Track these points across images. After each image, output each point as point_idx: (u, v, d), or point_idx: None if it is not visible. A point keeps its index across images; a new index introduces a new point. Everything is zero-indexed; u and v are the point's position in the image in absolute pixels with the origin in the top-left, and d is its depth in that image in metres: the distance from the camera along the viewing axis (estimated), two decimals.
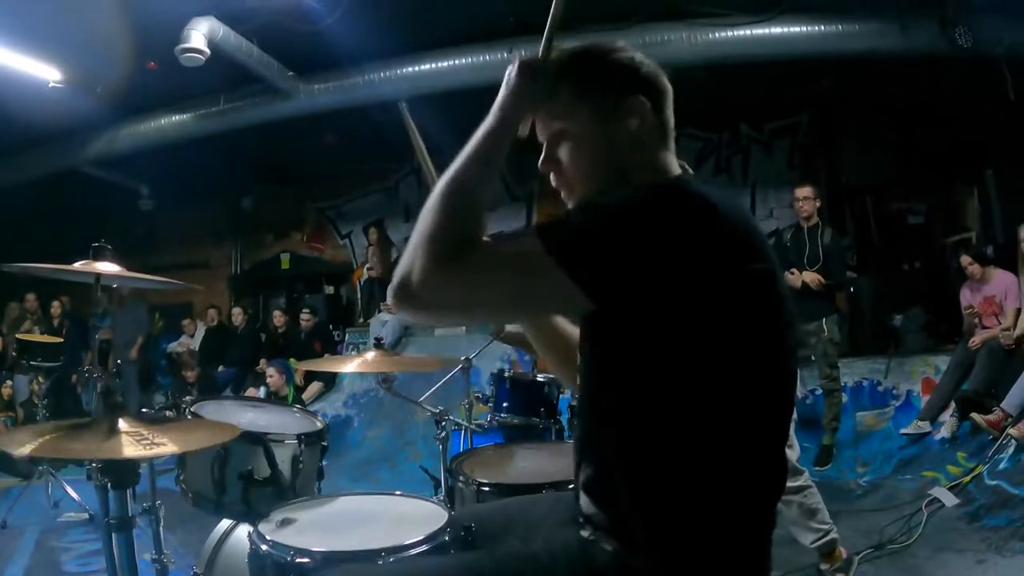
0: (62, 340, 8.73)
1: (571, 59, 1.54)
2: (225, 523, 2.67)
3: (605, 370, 1.40)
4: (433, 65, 7.76)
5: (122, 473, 1.94)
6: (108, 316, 9.25)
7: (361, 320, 10.54)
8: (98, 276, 2.38)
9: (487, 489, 2.46)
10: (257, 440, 2.49)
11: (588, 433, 1.52)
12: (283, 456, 2.52)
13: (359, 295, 11.09)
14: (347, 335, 10.16)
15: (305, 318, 10.11)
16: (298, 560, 1.83)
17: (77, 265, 2.38)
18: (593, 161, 1.51)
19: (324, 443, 2.74)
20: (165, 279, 2.77)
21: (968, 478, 5.17)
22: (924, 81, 7.58)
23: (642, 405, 1.32)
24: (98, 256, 2.36)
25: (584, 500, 1.48)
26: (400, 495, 2.27)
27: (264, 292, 12.42)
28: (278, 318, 10.40)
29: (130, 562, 2.01)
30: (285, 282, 12.25)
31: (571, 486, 1.59)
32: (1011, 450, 5.14)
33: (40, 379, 8.18)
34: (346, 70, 7.96)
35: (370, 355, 3.04)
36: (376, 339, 2.98)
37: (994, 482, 4.97)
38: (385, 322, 9.06)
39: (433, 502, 2.21)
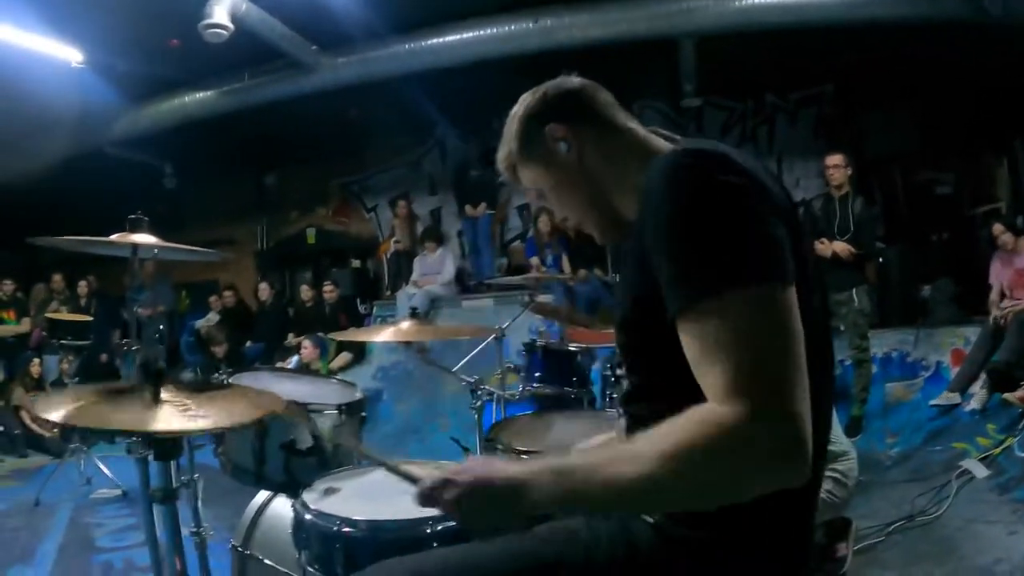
0: (91, 319, 8.78)
1: (503, 147, 1.60)
2: (261, 496, 2.65)
3: (666, 354, 1.24)
4: (457, 36, 7.71)
5: (166, 445, 1.93)
6: (145, 290, 9.28)
7: (388, 293, 10.52)
8: (135, 247, 2.36)
9: (525, 458, 2.44)
10: (300, 411, 2.48)
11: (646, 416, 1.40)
12: (324, 426, 2.52)
13: (386, 268, 11.07)
14: (375, 308, 10.18)
15: (328, 291, 10.08)
16: (344, 530, 1.84)
17: (114, 237, 2.36)
18: (573, 200, 1.56)
19: (363, 413, 2.74)
20: (200, 248, 2.76)
21: (998, 450, 5.10)
22: (951, 49, 7.43)
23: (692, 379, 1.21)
24: (135, 228, 2.35)
25: None
26: (442, 463, 2.26)
27: (291, 268, 12.47)
28: (305, 292, 10.44)
29: (174, 535, 1.99)
30: (312, 257, 12.27)
31: None
32: None
33: (70, 358, 8.26)
34: (370, 43, 7.93)
35: (405, 324, 3.02)
36: (411, 308, 2.95)
37: None
38: (413, 295, 9.01)
39: None
